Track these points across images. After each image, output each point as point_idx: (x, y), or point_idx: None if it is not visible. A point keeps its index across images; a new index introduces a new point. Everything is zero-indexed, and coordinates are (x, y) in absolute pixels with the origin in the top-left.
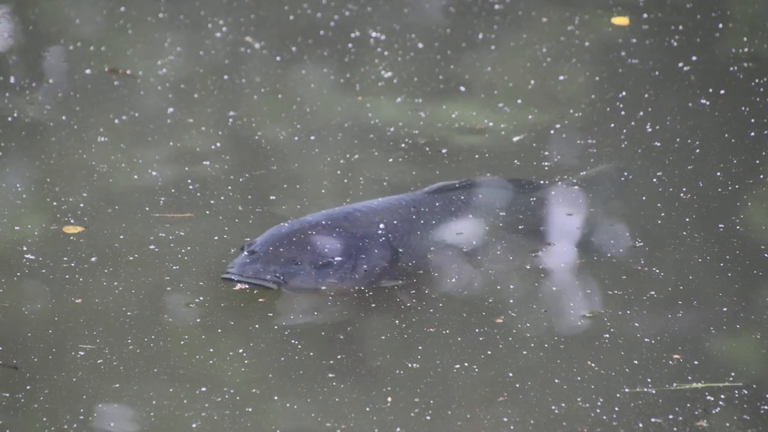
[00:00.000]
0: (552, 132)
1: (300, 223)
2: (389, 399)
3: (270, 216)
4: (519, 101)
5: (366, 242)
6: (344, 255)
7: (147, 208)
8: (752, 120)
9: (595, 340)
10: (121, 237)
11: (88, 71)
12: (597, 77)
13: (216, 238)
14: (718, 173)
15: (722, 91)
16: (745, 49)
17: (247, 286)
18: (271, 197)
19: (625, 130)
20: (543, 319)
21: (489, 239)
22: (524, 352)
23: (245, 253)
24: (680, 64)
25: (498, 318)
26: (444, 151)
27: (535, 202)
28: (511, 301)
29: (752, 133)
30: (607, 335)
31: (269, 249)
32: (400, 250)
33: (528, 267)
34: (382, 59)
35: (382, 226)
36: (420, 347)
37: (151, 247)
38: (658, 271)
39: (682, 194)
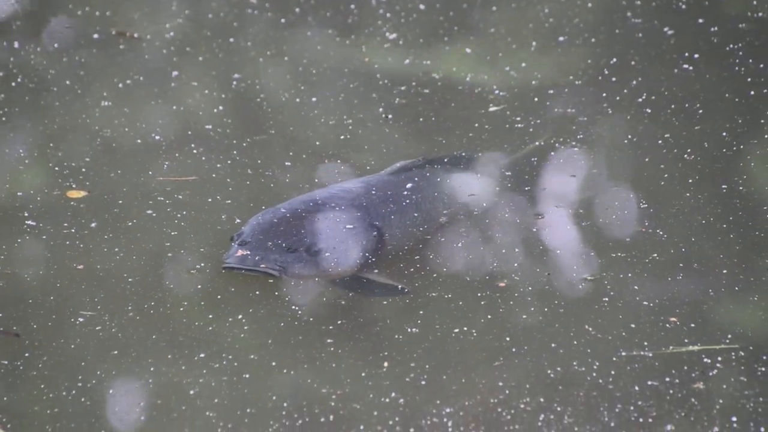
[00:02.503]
0: (551, 92)
1: (284, 210)
2: (385, 364)
3: (273, 181)
4: (523, 64)
5: (351, 224)
6: (335, 239)
7: (150, 172)
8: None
9: (595, 303)
10: (124, 202)
11: (95, 36)
12: (597, 38)
13: (218, 203)
14: (724, 133)
15: (730, 48)
16: (758, 13)
17: (247, 272)
18: (274, 161)
19: (625, 92)
20: (545, 283)
21: (493, 203)
22: (524, 317)
23: (236, 244)
24: (688, 23)
25: (501, 282)
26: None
27: (537, 164)
28: (516, 264)
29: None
30: (607, 299)
31: (261, 238)
32: (385, 232)
33: (534, 230)
34: (385, 21)
35: (363, 207)
36: (421, 312)
37: (153, 212)
38: (661, 233)
39: (686, 155)
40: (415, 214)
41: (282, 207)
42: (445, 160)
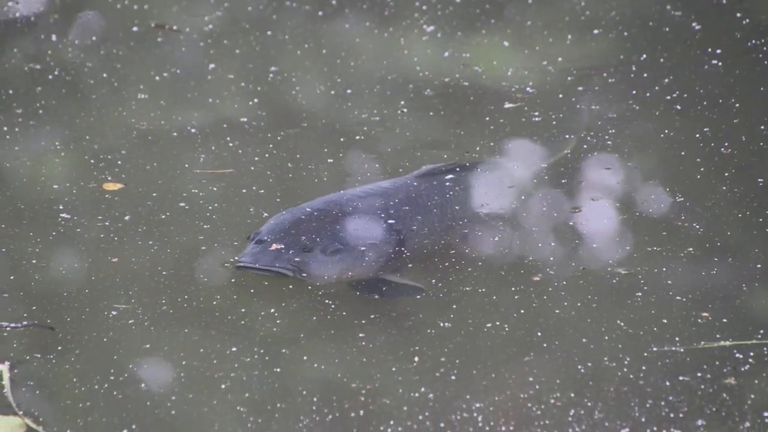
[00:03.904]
0: (586, 87)
1: (303, 211)
2: (416, 359)
3: (306, 175)
4: (560, 59)
5: (372, 226)
6: (352, 240)
7: (186, 165)
8: None
9: (627, 298)
10: (158, 194)
11: (134, 29)
12: (631, 32)
13: (252, 197)
14: (762, 127)
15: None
16: None
17: (263, 273)
18: (308, 154)
19: (658, 87)
20: (579, 277)
21: (529, 198)
22: (556, 311)
23: (252, 243)
24: (725, 18)
25: (536, 276)
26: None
27: (573, 157)
28: (551, 258)
29: None
30: (640, 293)
31: (276, 238)
32: (406, 237)
33: (570, 223)
34: (422, 13)
35: (385, 210)
36: (454, 306)
37: (186, 205)
38: (697, 226)
39: (722, 149)
40: (439, 220)
41: (301, 208)
42: (475, 164)
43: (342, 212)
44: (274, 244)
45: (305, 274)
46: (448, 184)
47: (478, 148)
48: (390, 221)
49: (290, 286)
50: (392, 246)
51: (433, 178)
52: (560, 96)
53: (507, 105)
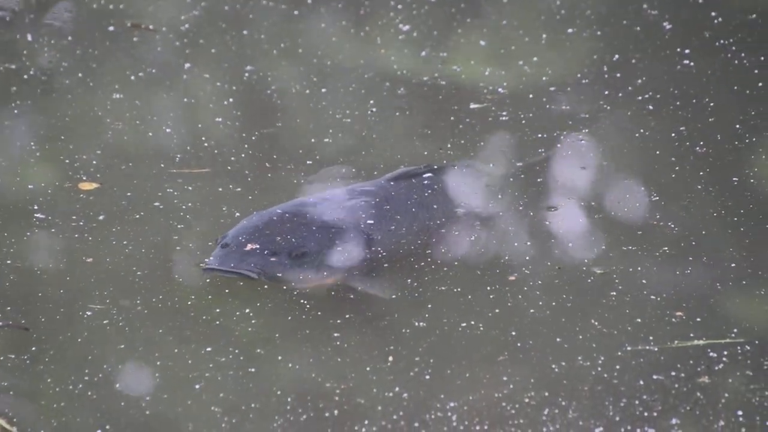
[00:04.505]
0: (553, 89)
1: (272, 213)
2: (390, 358)
3: (280, 175)
4: (535, 59)
5: (339, 230)
6: (319, 244)
7: (162, 165)
8: None
9: (602, 297)
10: (133, 194)
11: (110, 28)
12: (605, 30)
13: (227, 196)
14: (737, 126)
15: (736, 39)
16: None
17: (229, 275)
18: (282, 154)
19: (637, 84)
20: (555, 277)
21: (505, 197)
22: (531, 311)
23: (219, 246)
24: (697, 17)
25: (511, 276)
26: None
27: (549, 155)
28: (527, 258)
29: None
30: (614, 293)
31: (243, 241)
32: (375, 241)
33: (546, 223)
34: (398, 12)
35: (355, 213)
36: (429, 305)
37: (161, 205)
38: (672, 226)
39: (697, 148)
40: (412, 223)
41: (272, 210)
42: (450, 165)
43: (310, 215)
44: (248, 245)
45: (270, 278)
46: (423, 185)
47: (453, 148)
48: (359, 224)
49: (265, 287)
50: (362, 249)
51: (407, 180)
52: (535, 96)
53: (483, 104)
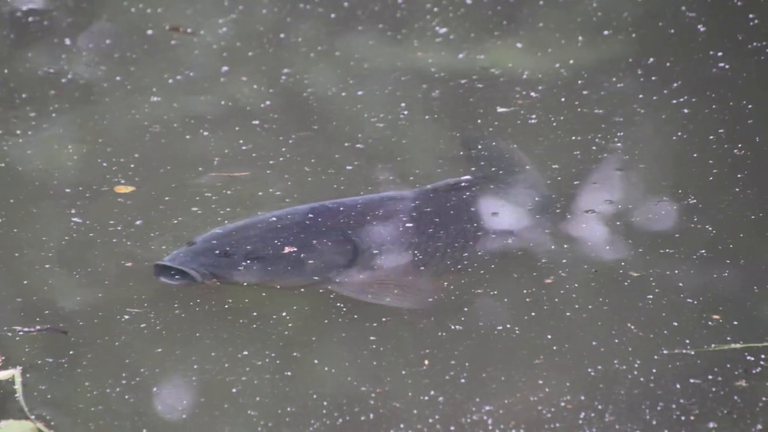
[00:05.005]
0: (586, 92)
1: (254, 218)
2: (426, 362)
3: (316, 177)
4: (571, 61)
5: (317, 238)
6: (277, 249)
7: (200, 168)
8: None
9: (639, 301)
10: (170, 198)
11: (149, 32)
12: (642, 32)
13: (264, 200)
14: None
15: None
16: None
17: (176, 282)
18: (319, 157)
19: (673, 87)
20: (591, 280)
21: (542, 200)
22: (567, 314)
23: (185, 245)
24: (733, 20)
25: (548, 279)
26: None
27: (584, 159)
28: (564, 261)
29: None
30: (651, 296)
31: (207, 240)
32: (365, 249)
33: (583, 225)
34: (434, 15)
35: (344, 222)
36: (466, 309)
37: (198, 209)
38: (709, 228)
39: (735, 150)
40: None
41: (260, 217)
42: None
43: (289, 223)
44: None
45: (222, 278)
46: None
47: (492, 151)
48: (347, 231)
49: (301, 290)
50: (342, 256)
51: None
52: (570, 98)
53: (515, 107)
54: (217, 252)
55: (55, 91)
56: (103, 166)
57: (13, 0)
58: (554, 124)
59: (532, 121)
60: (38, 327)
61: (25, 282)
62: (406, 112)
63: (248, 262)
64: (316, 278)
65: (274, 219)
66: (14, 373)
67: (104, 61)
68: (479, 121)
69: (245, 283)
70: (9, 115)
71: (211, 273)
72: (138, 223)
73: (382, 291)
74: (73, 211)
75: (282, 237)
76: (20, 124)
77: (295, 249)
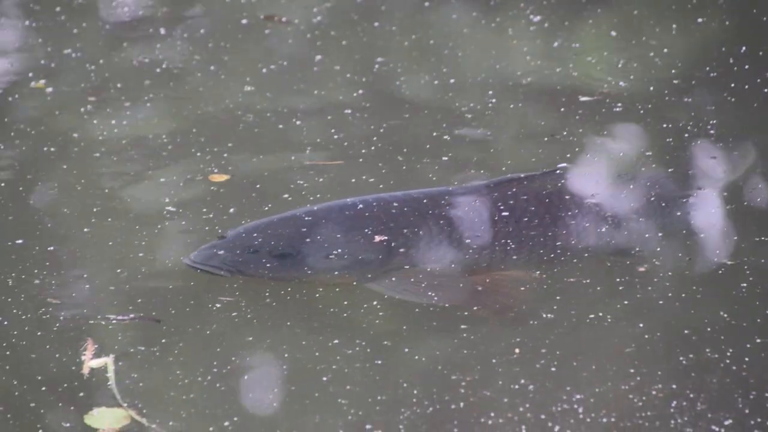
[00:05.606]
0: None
1: (285, 215)
2: (516, 350)
3: (416, 168)
4: (666, 50)
5: (347, 237)
6: (311, 247)
7: (292, 157)
8: None
9: (732, 289)
10: (264, 186)
11: (243, 21)
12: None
13: (354, 188)
14: None
15: None
16: None
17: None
18: (410, 146)
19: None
20: (685, 268)
21: (636, 185)
22: (660, 302)
23: (217, 238)
24: None
25: (641, 267)
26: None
27: (677, 146)
28: (658, 249)
29: None
30: (745, 284)
31: (237, 236)
32: (399, 248)
33: (677, 213)
34: (528, 3)
35: (382, 220)
36: (557, 297)
37: (291, 197)
38: None
39: None
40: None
41: (295, 213)
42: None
43: (324, 218)
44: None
45: (244, 274)
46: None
47: (583, 140)
48: (377, 234)
49: (393, 279)
50: (374, 255)
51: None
52: (665, 88)
53: (609, 96)
54: (243, 248)
55: (150, 81)
56: (197, 156)
57: None
58: (654, 114)
59: (637, 112)
60: (131, 316)
61: (118, 271)
62: (494, 101)
63: (272, 258)
64: (347, 275)
65: (309, 214)
66: (107, 361)
67: (198, 51)
68: (574, 109)
69: (273, 282)
70: (104, 105)
71: (237, 270)
72: (231, 210)
73: (417, 289)
74: (167, 200)
75: (314, 235)
76: (115, 114)
77: (324, 249)
